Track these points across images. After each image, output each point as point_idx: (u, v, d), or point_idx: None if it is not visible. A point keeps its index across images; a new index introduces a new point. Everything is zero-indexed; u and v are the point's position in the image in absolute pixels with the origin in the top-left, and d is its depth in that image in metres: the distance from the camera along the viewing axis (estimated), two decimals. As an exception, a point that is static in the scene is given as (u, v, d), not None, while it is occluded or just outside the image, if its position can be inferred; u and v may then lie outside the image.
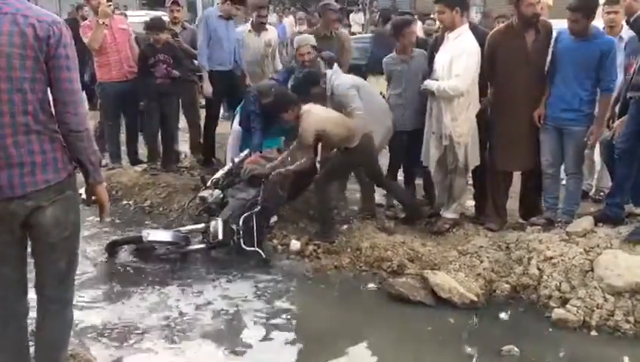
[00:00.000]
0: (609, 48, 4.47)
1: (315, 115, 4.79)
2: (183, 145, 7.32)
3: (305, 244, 4.90)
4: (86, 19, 6.44)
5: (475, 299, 4.05)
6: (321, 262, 4.71)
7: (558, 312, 3.84)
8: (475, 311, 4.02)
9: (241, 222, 4.71)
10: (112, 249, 4.86)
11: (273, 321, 3.95)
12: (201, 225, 4.95)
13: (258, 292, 4.31)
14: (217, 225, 4.68)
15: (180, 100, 6.72)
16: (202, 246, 4.87)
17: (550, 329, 3.81)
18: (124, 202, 6.12)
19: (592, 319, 3.77)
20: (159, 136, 6.69)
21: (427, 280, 4.16)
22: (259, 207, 4.82)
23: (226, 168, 5.29)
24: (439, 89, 4.72)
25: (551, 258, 4.17)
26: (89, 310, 4.03)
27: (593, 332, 3.73)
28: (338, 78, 5.25)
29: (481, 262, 4.38)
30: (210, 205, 5.03)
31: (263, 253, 4.68)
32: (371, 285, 4.41)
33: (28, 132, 2.42)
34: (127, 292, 4.32)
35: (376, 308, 4.13)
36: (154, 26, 6.34)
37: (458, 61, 4.65)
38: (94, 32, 6.16)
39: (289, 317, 4.05)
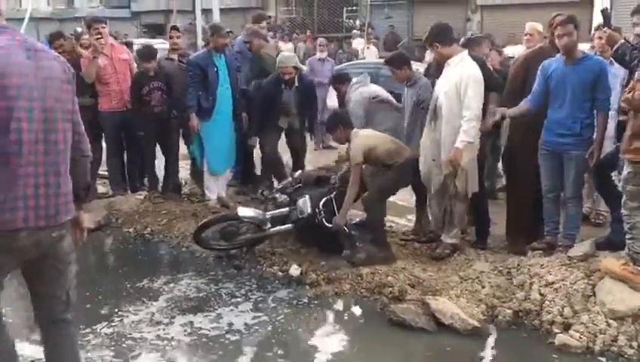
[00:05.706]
0: (601, 68, 4.58)
1: (363, 135, 5.07)
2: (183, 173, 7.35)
3: (305, 270, 4.88)
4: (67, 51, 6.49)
5: (477, 324, 4.02)
6: (322, 288, 4.68)
7: (561, 338, 3.82)
8: (477, 337, 3.99)
9: (321, 205, 5.06)
10: (201, 232, 5.15)
11: (271, 348, 3.92)
12: (285, 209, 5.26)
13: (256, 319, 4.28)
14: (305, 201, 5.07)
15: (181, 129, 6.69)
16: (289, 226, 5.18)
17: (554, 355, 3.77)
18: (125, 230, 6.12)
19: (595, 344, 3.74)
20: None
21: (428, 306, 4.14)
22: (335, 192, 5.17)
23: (290, 179, 5.66)
24: (466, 133, 4.67)
25: (552, 283, 4.16)
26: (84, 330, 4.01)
27: (598, 358, 3.70)
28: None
29: (483, 287, 4.37)
30: (279, 204, 5.37)
31: (346, 229, 4.94)
32: (372, 311, 4.37)
33: (66, 160, 2.54)
34: (122, 312, 4.32)
35: (378, 335, 4.10)
36: (144, 54, 6.39)
37: (466, 90, 4.66)
38: (88, 66, 6.23)
39: (288, 343, 4.01)
